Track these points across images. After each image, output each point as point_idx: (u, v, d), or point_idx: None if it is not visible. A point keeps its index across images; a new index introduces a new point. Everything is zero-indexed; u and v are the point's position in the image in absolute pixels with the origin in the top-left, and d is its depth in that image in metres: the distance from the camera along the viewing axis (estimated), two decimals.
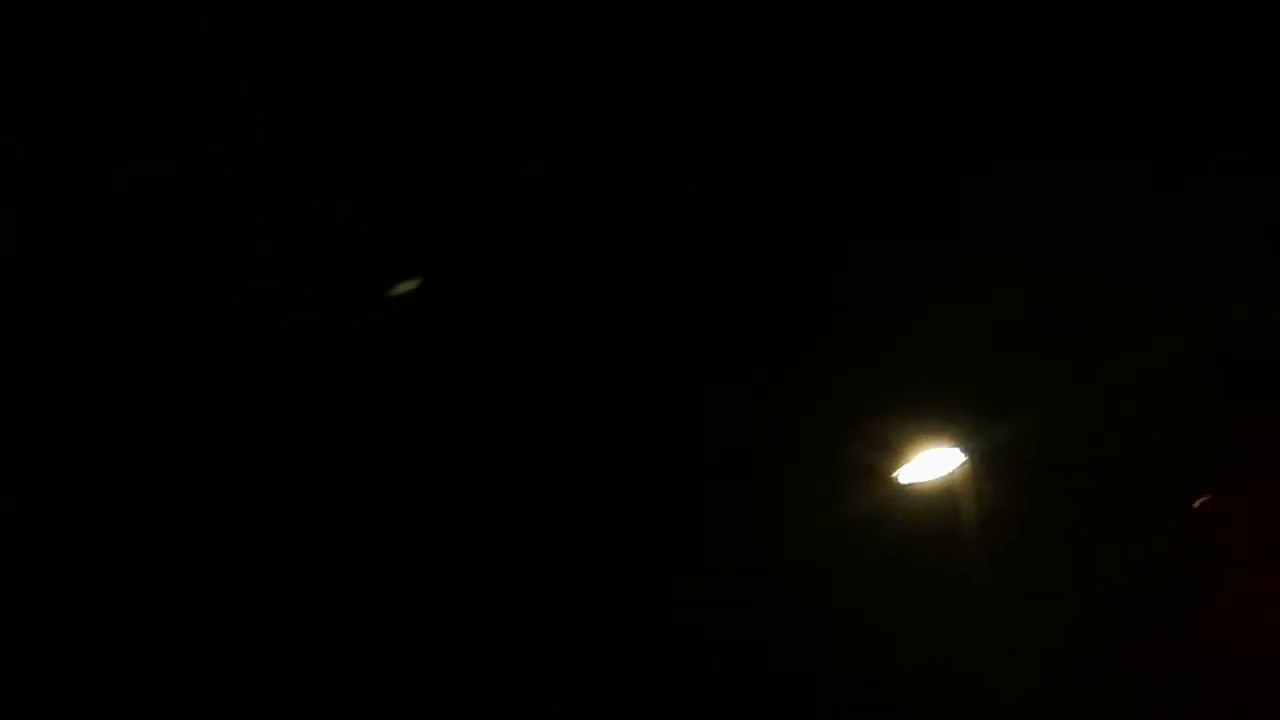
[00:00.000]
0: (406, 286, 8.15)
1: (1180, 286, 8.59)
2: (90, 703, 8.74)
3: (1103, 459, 8.88)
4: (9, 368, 8.11)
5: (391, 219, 8.28)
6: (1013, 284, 8.50)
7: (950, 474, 8.63)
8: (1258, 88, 7.95)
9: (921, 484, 8.72)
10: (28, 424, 8.34)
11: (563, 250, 8.38)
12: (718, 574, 8.94)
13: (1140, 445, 8.89)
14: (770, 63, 7.86)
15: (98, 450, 8.53)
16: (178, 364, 8.41)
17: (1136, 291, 8.59)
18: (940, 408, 8.71)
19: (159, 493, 8.68)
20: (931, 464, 8.64)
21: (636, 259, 8.41)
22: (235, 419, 8.73)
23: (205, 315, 8.29)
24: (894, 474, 8.72)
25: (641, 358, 8.88)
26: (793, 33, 7.75)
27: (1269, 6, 7.67)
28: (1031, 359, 8.69)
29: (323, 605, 9.20)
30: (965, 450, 8.62)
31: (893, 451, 8.65)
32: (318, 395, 8.86)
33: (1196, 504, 8.89)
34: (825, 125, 8.11)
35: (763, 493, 9.04)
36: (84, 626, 8.71)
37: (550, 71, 7.72)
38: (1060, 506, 8.87)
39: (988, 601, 8.70)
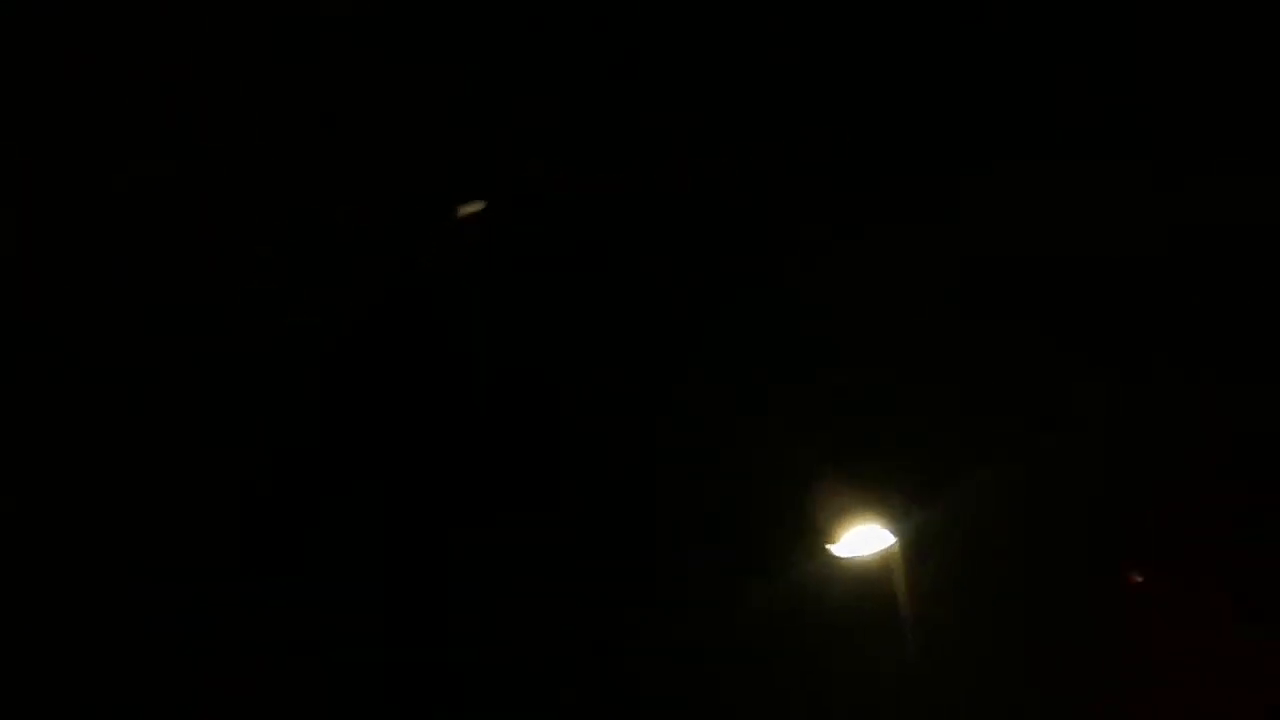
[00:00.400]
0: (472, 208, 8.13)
1: (1115, 360, 8.63)
2: (90, 703, 8.74)
3: (1034, 536, 8.93)
4: (9, 368, 8.11)
5: (391, 219, 8.29)
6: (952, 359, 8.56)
7: (884, 550, 8.66)
8: (1258, 88, 7.96)
9: (855, 558, 8.76)
10: (28, 424, 8.34)
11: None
12: (652, 639, 8.96)
13: (1072, 522, 8.95)
14: (770, 63, 7.88)
15: (98, 450, 8.53)
16: (178, 364, 8.41)
17: (1073, 362, 8.63)
18: (874, 484, 8.77)
19: (159, 493, 8.68)
20: (865, 539, 8.67)
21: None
22: (235, 419, 8.74)
23: (205, 315, 8.30)
24: (828, 547, 8.75)
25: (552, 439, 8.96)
26: (793, 33, 7.76)
27: (1269, 6, 7.68)
28: (965, 436, 8.75)
29: (321, 605, 9.20)
30: (897, 528, 8.67)
31: (828, 525, 8.68)
32: (318, 395, 8.87)
33: (1129, 578, 8.92)
34: (825, 125, 8.12)
35: (695, 563, 9.07)
36: (84, 626, 8.71)
37: (550, 71, 7.73)
38: (992, 584, 8.91)
39: (919, 676, 8.73)
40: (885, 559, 8.55)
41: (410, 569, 9.31)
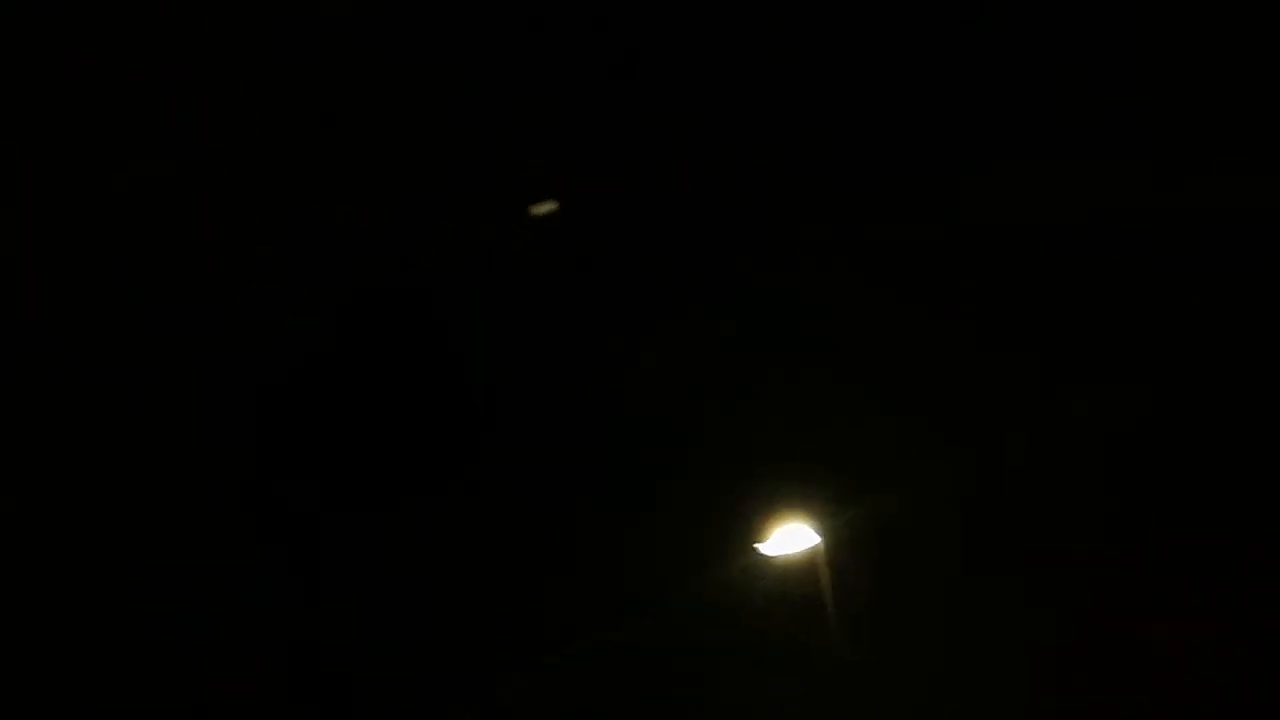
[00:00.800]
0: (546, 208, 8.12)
1: (1056, 365, 8.61)
2: (90, 703, 8.74)
3: (960, 538, 8.91)
4: (9, 368, 8.12)
5: (391, 219, 8.29)
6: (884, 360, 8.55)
7: (809, 549, 8.67)
8: (1258, 88, 7.96)
9: (781, 557, 8.77)
10: (28, 424, 8.34)
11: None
12: (577, 643, 8.94)
13: (998, 522, 8.92)
14: (770, 63, 7.88)
15: (98, 450, 8.53)
16: (178, 364, 8.42)
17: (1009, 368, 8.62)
18: (799, 484, 8.76)
19: (159, 493, 8.68)
20: (790, 538, 8.68)
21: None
22: (235, 419, 8.74)
23: (205, 315, 8.30)
24: (754, 546, 8.76)
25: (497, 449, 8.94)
26: (793, 33, 7.77)
27: (1269, 6, 7.69)
28: (894, 436, 8.74)
29: (320, 605, 9.21)
30: (822, 527, 8.67)
31: (753, 524, 8.69)
32: (315, 396, 8.87)
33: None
34: (825, 125, 8.12)
35: (626, 560, 9.05)
36: (84, 626, 8.71)
37: (550, 71, 7.73)
38: (915, 585, 8.90)
39: (844, 676, 8.73)
40: (811, 557, 8.59)
41: (407, 567, 9.32)
